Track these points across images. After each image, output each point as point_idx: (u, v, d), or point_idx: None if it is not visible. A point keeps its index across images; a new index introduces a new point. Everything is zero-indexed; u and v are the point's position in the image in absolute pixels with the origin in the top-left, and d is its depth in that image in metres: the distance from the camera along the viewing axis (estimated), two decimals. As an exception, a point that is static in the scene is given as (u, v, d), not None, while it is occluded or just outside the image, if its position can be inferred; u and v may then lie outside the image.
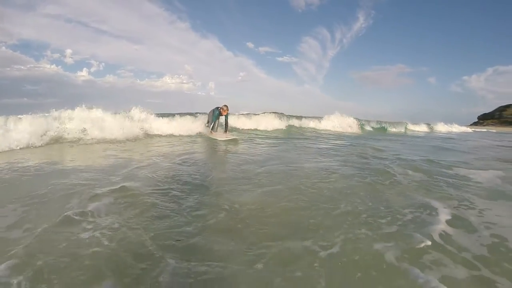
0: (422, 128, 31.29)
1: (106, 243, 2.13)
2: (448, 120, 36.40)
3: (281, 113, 18.64)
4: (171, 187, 3.70)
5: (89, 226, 2.38)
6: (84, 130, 8.46)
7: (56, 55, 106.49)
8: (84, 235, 2.23)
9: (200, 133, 11.49)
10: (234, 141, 9.85)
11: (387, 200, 3.52)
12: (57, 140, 7.76)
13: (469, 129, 41.46)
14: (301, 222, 2.73)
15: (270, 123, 16.61)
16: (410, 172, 5.17)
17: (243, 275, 1.84)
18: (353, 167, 5.39)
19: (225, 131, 11.07)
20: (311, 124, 19.57)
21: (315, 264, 1.99)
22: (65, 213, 2.57)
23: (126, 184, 3.61)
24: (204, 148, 8.48)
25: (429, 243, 2.35)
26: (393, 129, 25.92)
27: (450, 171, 5.43)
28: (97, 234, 2.25)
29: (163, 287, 1.69)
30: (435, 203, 3.41)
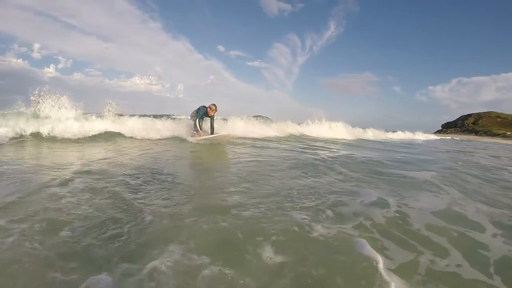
0: (386, 136, 32.58)
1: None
2: (413, 128, 38.42)
3: (265, 117, 18.10)
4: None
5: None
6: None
7: (24, 49, 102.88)
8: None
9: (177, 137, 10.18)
10: (226, 140, 9.95)
11: (320, 186, 4.42)
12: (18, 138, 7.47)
13: (433, 136, 43.55)
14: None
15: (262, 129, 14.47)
16: (351, 168, 6.20)
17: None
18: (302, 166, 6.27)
19: (201, 131, 9.59)
20: (304, 130, 18.02)
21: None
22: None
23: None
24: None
25: (332, 213, 3.23)
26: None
27: (389, 170, 6.47)
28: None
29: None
30: (367, 191, 4.36)
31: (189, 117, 10.71)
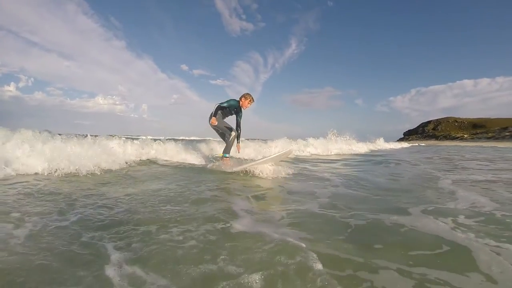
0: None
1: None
2: (375, 137, 39.01)
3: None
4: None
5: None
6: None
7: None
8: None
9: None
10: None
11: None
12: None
13: (399, 145, 45.23)
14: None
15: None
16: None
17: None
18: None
19: (238, 142, 7.06)
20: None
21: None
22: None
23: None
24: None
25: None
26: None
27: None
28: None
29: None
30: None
31: (212, 123, 6.76)
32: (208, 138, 10.85)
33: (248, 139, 13.87)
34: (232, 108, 6.88)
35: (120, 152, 6.63)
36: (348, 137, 18.61)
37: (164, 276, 1.59)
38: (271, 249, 1.91)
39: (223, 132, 7.07)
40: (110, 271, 1.61)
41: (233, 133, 6.76)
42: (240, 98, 6.84)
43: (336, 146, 15.98)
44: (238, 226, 2.40)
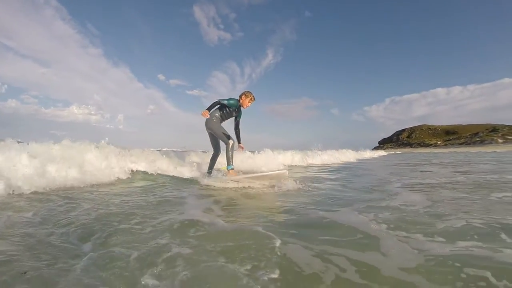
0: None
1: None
2: (353, 146, 39.78)
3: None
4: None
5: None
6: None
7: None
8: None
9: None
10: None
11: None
12: None
13: (377, 153, 46.64)
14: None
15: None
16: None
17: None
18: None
19: (240, 142, 6.65)
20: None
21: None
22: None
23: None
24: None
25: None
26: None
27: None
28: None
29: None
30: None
31: (210, 127, 6.51)
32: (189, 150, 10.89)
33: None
34: (233, 108, 6.41)
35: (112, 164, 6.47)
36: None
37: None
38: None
39: (218, 139, 6.68)
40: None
41: (231, 142, 6.25)
42: (240, 97, 6.41)
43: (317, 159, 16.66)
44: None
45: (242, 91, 6.51)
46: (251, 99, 6.42)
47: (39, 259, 1.81)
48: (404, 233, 2.38)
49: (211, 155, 7.03)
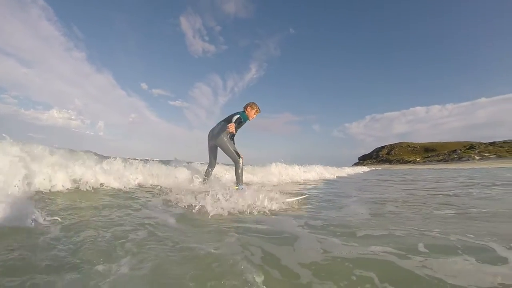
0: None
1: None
2: (333, 162, 40.37)
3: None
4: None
5: None
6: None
7: None
8: None
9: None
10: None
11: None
12: None
13: (361, 169, 47.21)
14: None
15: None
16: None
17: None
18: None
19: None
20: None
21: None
22: None
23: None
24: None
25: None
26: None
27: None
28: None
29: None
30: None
31: (220, 144, 6.24)
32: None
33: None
34: (244, 121, 6.16)
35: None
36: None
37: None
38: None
39: (216, 155, 6.54)
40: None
41: (241, 160, 6.08)
42: (246, 108, 6.24)
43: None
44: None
45: (247, 102, 6.36)
46: (256, 110, 6.33)
47: None
48: (323, 237, 2.72)
49: (206, 169, 6.84)
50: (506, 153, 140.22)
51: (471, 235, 2.80)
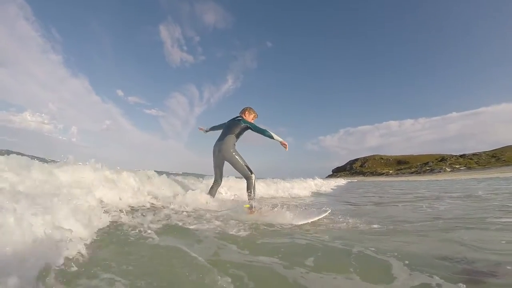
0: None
1: None
2: (305, 174, 40.05)
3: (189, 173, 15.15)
4: None
5: None
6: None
7: None
8: None
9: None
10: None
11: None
12: None
13: (342, 181, 47.77)
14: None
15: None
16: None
17: None
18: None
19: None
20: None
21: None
22: None
23: None
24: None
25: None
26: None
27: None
28: None
29: None
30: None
31: (229, 159, 5.62)
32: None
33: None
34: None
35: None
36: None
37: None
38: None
39: (222, 170, 5.88)
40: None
41: (254, 176, 5.50)
42: (243, 113, 5.93)
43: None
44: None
45: (244, 107, 6.03)
46: (255, 116, 6.06)
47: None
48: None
49: (211, 185, 6.06)
50: (475, 165, 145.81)
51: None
